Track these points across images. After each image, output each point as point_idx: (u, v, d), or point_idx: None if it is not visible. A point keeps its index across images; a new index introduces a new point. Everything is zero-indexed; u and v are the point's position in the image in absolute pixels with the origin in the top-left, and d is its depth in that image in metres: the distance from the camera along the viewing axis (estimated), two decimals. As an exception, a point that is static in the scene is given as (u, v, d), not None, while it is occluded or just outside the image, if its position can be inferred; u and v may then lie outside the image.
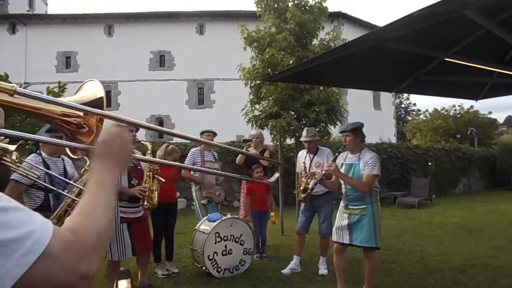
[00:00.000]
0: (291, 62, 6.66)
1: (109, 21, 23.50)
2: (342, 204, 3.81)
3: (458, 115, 29.07)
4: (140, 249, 3.77)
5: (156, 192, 3.76)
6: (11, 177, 2.93)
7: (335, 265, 3.86)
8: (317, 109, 6.81)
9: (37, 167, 2.96)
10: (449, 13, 2.06)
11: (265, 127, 7.07)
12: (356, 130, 3.68)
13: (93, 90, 1.05)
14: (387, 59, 3.25)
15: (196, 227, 4.68)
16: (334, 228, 3.84)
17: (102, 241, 0.75)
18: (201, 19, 23.36)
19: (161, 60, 23.50)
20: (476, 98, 4.52)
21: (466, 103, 28.00)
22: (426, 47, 3.01)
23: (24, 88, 1.01)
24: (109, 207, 0.82)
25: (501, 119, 46.09)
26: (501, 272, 4.60)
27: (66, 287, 0.65)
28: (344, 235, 3.68)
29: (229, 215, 4.65)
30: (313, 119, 6.80)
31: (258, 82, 7.06)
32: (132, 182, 3.69)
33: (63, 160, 3.28)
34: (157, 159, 4.13)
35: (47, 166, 3.09)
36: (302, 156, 4.87)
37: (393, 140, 20.64)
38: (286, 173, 8.94)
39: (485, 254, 5.42)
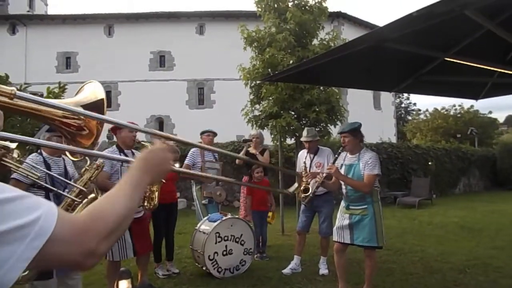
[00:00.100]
0: (291, 62, 6.65)
1: (109, 21, 23.50)
2: (343, 204, 3.80)
3: (458, 115, 29.07)
4: (141, 249, 3.78)
5: (156, 193, 3.75)
6: (12, 176, 2.93)
7: (335, 265, 3.85)
8: (317, 109, 6.81)
9: (37, 167, 2.96)
10: (448, 13, 2.05)
11: (265, 127, 7.07)
12: (355, 131, 3.67)
13: (94, 91, 1.05)
14: (387, 59, 3.24)
15: (196, 227, 4.68)
16: (335, 228, 3.83)
17: (121, 229, 0.80)
18: (201, 19, 23.33)
19: (161, 60, 23.47)
20: (476, 97, 4.50)
21: (466, 103, 28.09)
22: (426, 47, 3.00)
23: (24, 88, 1.01)
24: (133, 200, 0.85)
25: (501, 119, 46.24)
26: (502, 272, 4.60)
27: (75, 264, 0.72)
28: (345, 235, 3.67)
29: (229, 215, 4.65)
30: (313, 119, 6.80)
31: (258, 82, 7.06)
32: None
33: (64, 159, 3.28)
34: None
35: (48, 165, 3.08)
36: (303, 156, 4.87)
37: (393, 140, 20.64)
38: (286, 173, 8.93)
39: (485, 254, 5.41)
